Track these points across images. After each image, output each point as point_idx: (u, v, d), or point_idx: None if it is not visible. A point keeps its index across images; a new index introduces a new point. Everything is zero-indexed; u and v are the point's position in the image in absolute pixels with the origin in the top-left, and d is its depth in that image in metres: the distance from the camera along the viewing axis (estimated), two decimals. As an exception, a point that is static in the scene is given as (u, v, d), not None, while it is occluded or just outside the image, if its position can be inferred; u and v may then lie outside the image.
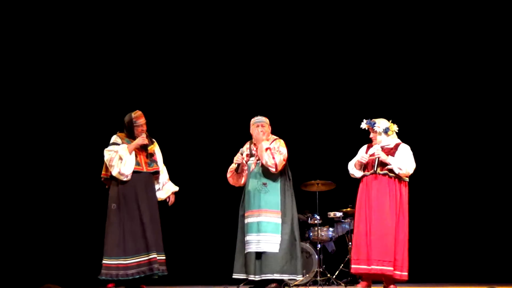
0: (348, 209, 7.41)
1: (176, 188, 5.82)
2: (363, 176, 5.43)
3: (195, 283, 7.64)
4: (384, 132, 5.40)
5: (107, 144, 5.58)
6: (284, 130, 6.24)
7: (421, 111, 8.60)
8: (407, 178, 5.36)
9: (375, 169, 5.29)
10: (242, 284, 5.81)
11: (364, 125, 5.48)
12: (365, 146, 5.54)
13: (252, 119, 5.68)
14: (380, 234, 5.18)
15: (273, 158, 5.38)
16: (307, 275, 7.12)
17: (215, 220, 8.21)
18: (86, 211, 8.09)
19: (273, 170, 5.40)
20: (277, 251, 5.31)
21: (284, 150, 5.50)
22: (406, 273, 5.25)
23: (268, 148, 5.45)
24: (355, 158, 5.54)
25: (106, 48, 8.51)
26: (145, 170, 5.55)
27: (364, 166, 5.44)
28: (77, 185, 8.13)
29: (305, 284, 6.92)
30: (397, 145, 5.39)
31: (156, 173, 5.67)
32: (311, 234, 7.46)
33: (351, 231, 7.51)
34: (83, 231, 8.01)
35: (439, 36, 8.58)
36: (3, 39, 8.04)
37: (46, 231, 7.89)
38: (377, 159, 5.29)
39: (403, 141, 5.50)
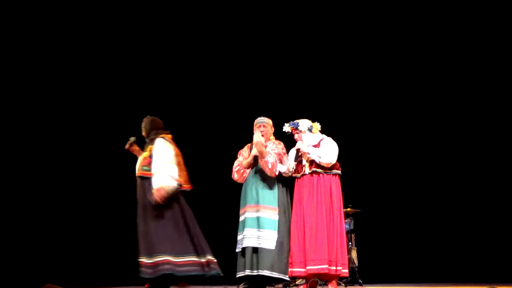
0: (348, 209, 7.41)
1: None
2: (295, 178, 5.46)
3: (195, 283, 7.63)
4: (308, 130, 5.48)
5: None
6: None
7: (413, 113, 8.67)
8: (338, 171, 5.38)
9: (303, 163, 5.34)
10: (242, 284, 5.80)
11: (286, 128, 5.51)
12: (293, 150, 5.57)
13: (255, 120, 5.69)
14: (313, 234, 5.17)
15: (270, 163, 5.35)
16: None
17: (215, 220, 8.21)
18: (87, 211, 8.11)
19: (271, 174, 5.41)
20: (273, 247, 5.29)
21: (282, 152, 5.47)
22: (347, 270, 5.21)
23: (267, 152, 5.42)
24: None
25: (105, 49, 8.53)
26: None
27: (296, 169, 5.46)
28: (77, 186, 8.14)
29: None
30: (320, 140, 5.47)
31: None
32: (311, 234, 7.44)
33: (351, 231, 7.52)
34: (83, 231, 8.02)
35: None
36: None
37: (46, 231, 7.89)
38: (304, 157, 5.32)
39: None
